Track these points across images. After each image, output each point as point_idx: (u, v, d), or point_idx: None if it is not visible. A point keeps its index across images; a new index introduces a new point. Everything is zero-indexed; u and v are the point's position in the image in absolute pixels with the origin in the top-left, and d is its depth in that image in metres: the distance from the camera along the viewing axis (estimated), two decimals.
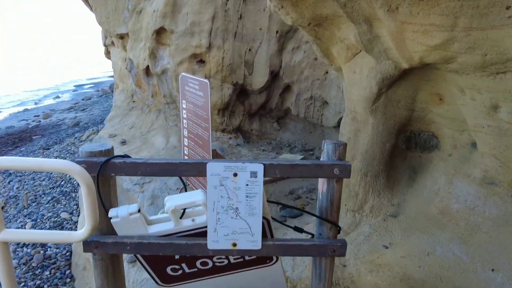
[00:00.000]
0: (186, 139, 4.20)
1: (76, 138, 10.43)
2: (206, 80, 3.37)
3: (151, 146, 5.48)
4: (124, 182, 4.78)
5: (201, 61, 5.85)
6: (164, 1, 5.75)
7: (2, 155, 12.39)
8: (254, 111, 6.40)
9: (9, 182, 7.94)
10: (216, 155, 3.62)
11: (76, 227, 5.77)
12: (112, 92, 30.77)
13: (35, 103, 27.58)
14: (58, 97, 30.30)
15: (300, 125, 6.25)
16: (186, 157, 4.29)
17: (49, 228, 5.75)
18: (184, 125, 4.16)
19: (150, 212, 3.87)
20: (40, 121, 19.17)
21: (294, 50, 6.05)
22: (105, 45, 8.72)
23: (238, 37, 5.96)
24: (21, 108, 24.94)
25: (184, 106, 4.09)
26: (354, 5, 1.96)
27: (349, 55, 2.74)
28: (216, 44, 5.72)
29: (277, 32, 6.03)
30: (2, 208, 6.57)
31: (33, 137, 15.09)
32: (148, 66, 6.27)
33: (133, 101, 6.75)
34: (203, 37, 5.68)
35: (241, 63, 6.01)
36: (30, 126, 17.92)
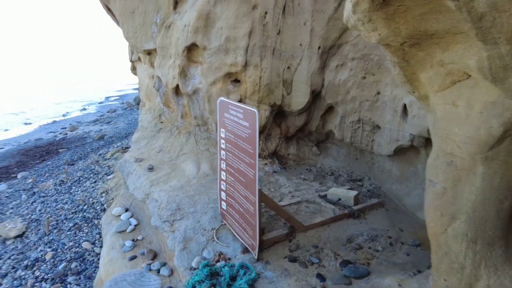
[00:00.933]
0: (224, 173, 3.64)
1: (100, 155, 10.13)
2: (254, 109, 2.81)
3: (181, 174, 4.96)
4: (152, 217, 4.27)
5: (236, 81, 5.33)
6: (196, 14, 5.30)
7: (29, 169, 12.31)
8: (291, 134, 5.80)
9: (32, 203, 7.64)
10: (262, 197, 3.03)
11: (98, 259, 5.29)
12: (137, 105, 31.22)
13: (63, 115, 28.16)
14: (84, 109, 30.92)
15: (344, 150, 5.58)
16: (223, 193, 3.72)
17: (69, 260, 5.30)
18: (222, 157, 3.61)
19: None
20: (66, 134, 19.34)
21: (338, 67, 5.45)
22: (131, 60, 8.41)
23: (276, 54, 5.42)
24: (50, 120, 25.48)
25: (222, 135, 3.55)
26: (500, 17, 1.34)
27: (447, 83, 2.10)
28: (253, 62, 5.19)
29: (319, 48, 5.45)
30: (23, 234, 6.21)
31: (60, 150, 15.08)
32: (177, 85, 5.81)
33: (161, 122, 6.30)
34: (239, 54, 5.17)
35: (279, 82, 5.45)
36: (57, 139, 18.06)
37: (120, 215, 5.28)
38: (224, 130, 3.50)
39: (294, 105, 5.47)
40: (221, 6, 5.27)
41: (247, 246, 3.28)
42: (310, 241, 3.30)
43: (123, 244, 4.65)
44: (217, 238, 3.58)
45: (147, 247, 4.51)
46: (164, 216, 4.03)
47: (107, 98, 38.61)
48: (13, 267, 5.34)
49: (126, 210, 5.41)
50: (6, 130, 22.69)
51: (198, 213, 4.01)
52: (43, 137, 19.26)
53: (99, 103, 34.49)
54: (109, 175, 7.39)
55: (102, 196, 6.52)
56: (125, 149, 9.67)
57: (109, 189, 6.59)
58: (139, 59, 7.69)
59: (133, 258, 4.36)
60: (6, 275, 5.20)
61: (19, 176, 11.44)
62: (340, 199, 4.00)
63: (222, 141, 3.56)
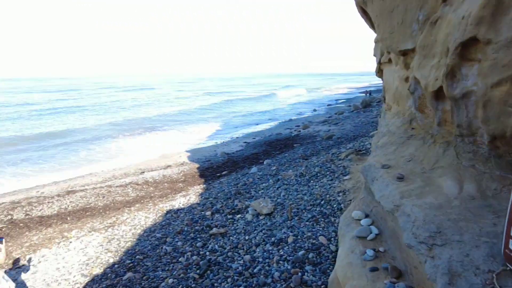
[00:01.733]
0: None
1: (333, 154, 10.62)
2: None
3: (438, 190, 4.26)
4: (403, 233, 3.85)
5: None
6: (482, 2, 4.34)
7: (272, 158, 14.54)
8: None
9: (277, 188, 8.86)
10: None
11: (334, 256, 5.40)
12: (364, 108, 31.21)
13: (298, 115, 31.98)
14: (315, 110, 34.05)
15: None
16: None
17: (307, 249, 5.68)
18: None
19: None
20: (300, 131, 21.76)
21: None
22: (379, 63, 8.18)
23: None
24: (287, 118, 29.60)
25: None
26: None
27: None
28: None
29: None
30: (271, 213, 7.24)
31: (294, 145, 17.10)
32: (439, 88, 5.05)
33: (412, 128, 5.73)
34: None
35: None
36: (292, 135, 20.64)
37: (359, 220, 5.18)
38: None
39: None
40: None
41: None
42: None
43: (363, 251, 4.50)
44: (500, 287, 2.74)
45: (390, 263, 4.16)
46: (420, 236, 3.53)
47: (336, 100, 41.13)
48: (263, 240, 6.27)
49: (366, 216, 5.25)
50: (257, 124, 28.14)
51: (466, 244, 3.26)
52: (282, 132, 22.49)
53: (328, 105, 37.12)
54: (345, 175, 7.54)
55: (339, 195, 6.69)
56: (358, 151, 9.67)
57: (346, 190, 6.68)
58: (389, 61, 7.35)
59: (374, 269, 4.12)
60: (258, 245, 6.16)
61: (265, 162, 13.72)
62: None
63: None
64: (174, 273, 5.77)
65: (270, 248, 5.98)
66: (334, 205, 6.53)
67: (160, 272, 5.91)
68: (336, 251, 5.44)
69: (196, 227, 7.56)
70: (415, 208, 4.02)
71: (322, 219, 6.31)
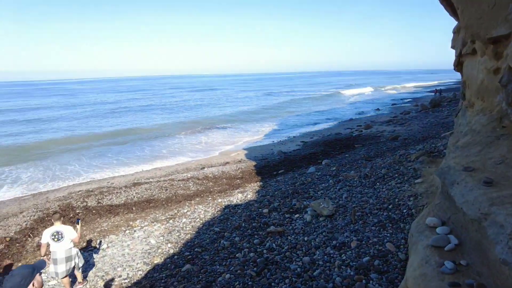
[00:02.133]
0: None
1: (401, 156, 9.80)
2: None
3: None
4: (495, 245, 3.28)
5: None
6: None
7: (331, 158, 13.98)
8: None
9: (338, 189, 8.41)
10: None
11: (403, 266, 4.89)
12: (432, 107, 28.77)
13: (359, 114, 30.61)
14: (378, 109, 32.28)
15: None
16: None
17: (373, 256, 5.22)
18: None
19: None
20: (362, 131, 20.69)
21: None
22: (460, 54, 7.30)
23: None
24: (347, 118, 28.44)
25: None
26: None
27: None
28: None
29: None
30: (333, 215, 6.85)
31: (355, 145, 16.27)
32: None
33: (503, 126, 4.94)
34: None
35: None
36: (353, 135, 19.70)
37: (435, 227, 4.59)
38: None
39: None
40: None
41: None
42: None
43: (440, 263, 3.94)
44: None
45: (476, 279, 3.58)
46: None
47: (401, 99, 38.67)
48: (324, 243, 5.93)
49: (443, 223, 4.64)
50: (315, 124, 27.49)
51: None
52: (341, 132, 21.60)
53: (392, 104, 34.97)
54: (416, 178, 6.86)
55: (409, 200, 6.07)
56: (430, 153, 8.79)
57: (417, 194, 6.04)
58: (473, 51, 6.50)
59: (455, 285, 3.56)
60: (318, 247, 5.84)
61: (323, 162, 13.21)
62: None
63: None
64: (231, 269, 5.72)
65: (331, 251, 5.62)
66: (404, 210, 5.92)
67: (218, 267, 5.90)
68: (406, 260, 4.92)
69: (254, 224, 7.47)
70: (510, 218, 3.40)
71: (390, 225, 5.77)
